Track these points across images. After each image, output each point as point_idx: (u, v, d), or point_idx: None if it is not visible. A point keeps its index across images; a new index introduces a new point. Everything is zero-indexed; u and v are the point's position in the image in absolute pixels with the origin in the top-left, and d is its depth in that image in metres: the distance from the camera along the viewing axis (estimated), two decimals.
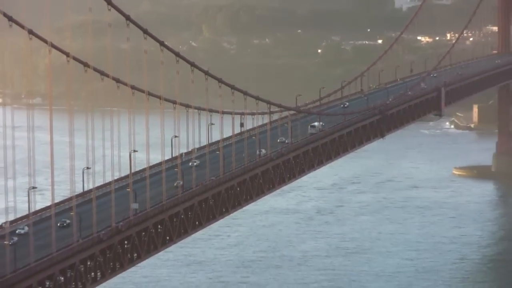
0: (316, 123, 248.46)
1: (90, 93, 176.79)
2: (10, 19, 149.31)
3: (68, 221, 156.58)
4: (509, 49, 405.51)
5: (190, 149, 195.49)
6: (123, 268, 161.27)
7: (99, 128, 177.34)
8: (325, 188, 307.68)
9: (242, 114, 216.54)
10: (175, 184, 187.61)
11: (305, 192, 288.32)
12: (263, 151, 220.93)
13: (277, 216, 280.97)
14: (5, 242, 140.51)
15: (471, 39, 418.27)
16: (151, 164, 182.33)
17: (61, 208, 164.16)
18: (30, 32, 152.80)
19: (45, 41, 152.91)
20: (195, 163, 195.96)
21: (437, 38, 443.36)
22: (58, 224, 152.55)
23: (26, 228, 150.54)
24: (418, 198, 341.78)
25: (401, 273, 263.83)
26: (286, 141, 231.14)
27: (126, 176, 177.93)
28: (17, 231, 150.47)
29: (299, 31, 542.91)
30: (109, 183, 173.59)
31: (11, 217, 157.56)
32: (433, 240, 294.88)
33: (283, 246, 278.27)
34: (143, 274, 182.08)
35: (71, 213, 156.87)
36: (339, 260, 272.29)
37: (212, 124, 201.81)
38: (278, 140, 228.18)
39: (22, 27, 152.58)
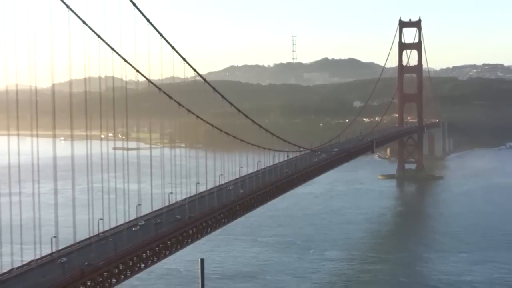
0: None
1: (218, 143, 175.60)
2: (188, 110, 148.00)
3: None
4: (402, 125, 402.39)
5: (265, 166, 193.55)
6: (235, 218, 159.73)
7: (222, 158, 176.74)
8: (323, 183, 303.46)
9: (287, 151, 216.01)
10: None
11: (315, 185, 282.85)
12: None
13: (302, 196, 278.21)
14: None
15: (386, 120, 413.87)
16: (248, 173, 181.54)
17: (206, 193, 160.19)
18: (197, 116, 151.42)
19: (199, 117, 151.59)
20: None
21: (372, 119, 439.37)
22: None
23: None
24: (363, 188, 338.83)
25: (357, 221, 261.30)
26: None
27: (237, 179, 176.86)
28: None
29: (312, 116, 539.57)
30: (229, 182, 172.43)
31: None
32: (370, 205, 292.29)
33: (305, 208, 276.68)
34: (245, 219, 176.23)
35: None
36: (329, 215, 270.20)
37: (274, 156, 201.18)
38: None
39: (189, 111, 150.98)
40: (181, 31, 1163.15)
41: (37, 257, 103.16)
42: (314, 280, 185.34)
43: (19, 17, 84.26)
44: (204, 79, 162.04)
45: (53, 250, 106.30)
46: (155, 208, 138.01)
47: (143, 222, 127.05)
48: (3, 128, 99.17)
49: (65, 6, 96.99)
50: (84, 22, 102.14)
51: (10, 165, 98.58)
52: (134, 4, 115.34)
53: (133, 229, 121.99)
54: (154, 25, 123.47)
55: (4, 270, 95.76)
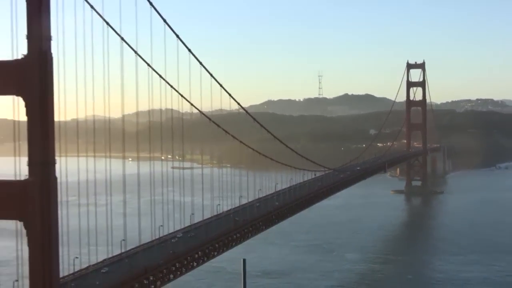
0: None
1: (258, 164, 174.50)
2: (233, 136, 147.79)
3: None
4: (409, 149, 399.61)
5: (295, 183, 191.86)
6: (271, 225, 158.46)
7: (260, 176, 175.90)
8: (343, 197, 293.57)
9: (314, 170, 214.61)
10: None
11: (337, 199, 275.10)
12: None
13: (326, 207, 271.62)
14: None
15: (396, 145, 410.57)
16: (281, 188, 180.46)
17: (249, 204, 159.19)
18: (241, 142, 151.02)
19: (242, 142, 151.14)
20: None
21: (384, 144, 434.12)
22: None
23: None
24: (377, 201, 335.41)
25: (371, 228, 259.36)
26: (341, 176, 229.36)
27: (273, 193, 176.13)
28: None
29: (335, 141, 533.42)
30: (267, 195, 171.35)
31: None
32: (382, 215, 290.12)
33: (328, 217, 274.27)
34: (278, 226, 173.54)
35: (257, 204, 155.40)
36: (348, 223, 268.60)
37: (303, 174, 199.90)
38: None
39: (234, 137, 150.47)
40: (226, 67, 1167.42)
41: (109, 256, 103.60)
42: (336, 278, 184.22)
43: (96, 60, 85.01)
44: (246, 111, 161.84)
45: (122, 251, 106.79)
46: (205, 217, 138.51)
47: (181, 235, 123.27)
48: (83, 150, 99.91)
49: (133, 52, 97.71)
50: (148, 65, 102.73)
51: (88, 181, 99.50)
52: (190, 50, 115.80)
53: (172, 240, 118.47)
54: (205, 66, 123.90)
55: (83, 267, 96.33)
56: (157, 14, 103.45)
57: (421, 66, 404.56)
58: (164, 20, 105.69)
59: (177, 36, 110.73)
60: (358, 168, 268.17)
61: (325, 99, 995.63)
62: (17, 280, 79.48)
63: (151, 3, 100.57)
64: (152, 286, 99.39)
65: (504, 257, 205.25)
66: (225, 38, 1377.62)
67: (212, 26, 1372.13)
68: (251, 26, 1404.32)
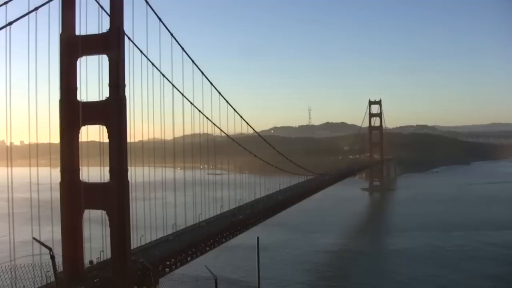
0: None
1: (267, 171, 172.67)
2: (250, 152, 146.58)
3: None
4: (371, 160, 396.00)
5: (293, 184, 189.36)
6: (276, 213, 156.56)
7: (269, 179, 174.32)
8: (324, 193, 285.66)
9: (306, 175, 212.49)
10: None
11: (319, 194, 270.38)
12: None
13: (312, 200, 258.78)
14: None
15: (362, 156, 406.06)
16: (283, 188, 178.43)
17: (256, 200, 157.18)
18: (255, 155, 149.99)
19: (256, 156, 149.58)
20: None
21: (354, 156, 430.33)
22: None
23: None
24: (349, 195, 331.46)
25: (344, 215, 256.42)
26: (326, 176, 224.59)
27: (277, 191, 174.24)
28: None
29: (320, 155, 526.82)
30: (273, 192, 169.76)
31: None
32: (352, 205, 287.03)
33: (313, 207, 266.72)
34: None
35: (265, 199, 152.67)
36: (328, 211, 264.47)
37: (298, 178, 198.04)
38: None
39: (250, 152, 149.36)
40: (245, 100, 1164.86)
41: (164, 235, 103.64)
42: (318, 250, 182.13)
43: (156, 100, 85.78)
44: (259, 134, 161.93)
45: (174, 231, 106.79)
46: (232, 207, 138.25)
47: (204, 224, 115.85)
48: (146, 163, 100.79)
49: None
50: (191, 103, 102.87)
51: (150, 182, 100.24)
52: (220, 93, 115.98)
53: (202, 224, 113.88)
54: (230, 103, 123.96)
55: (146, 242, 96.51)
56: (199, 70, 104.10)
57: (379, 102, 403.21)
58: (204, 74, 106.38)
59: (212, 84, 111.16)
60: (342, 171, 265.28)
61: (313, 126, 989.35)
62: (102, 251, 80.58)
63: (199, 68, 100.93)
64: (194, 256, 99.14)
65: (432, 233, 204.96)
66: (248, 78, 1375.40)
67: (237, 72, 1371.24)
68: (262, 68, 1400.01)
